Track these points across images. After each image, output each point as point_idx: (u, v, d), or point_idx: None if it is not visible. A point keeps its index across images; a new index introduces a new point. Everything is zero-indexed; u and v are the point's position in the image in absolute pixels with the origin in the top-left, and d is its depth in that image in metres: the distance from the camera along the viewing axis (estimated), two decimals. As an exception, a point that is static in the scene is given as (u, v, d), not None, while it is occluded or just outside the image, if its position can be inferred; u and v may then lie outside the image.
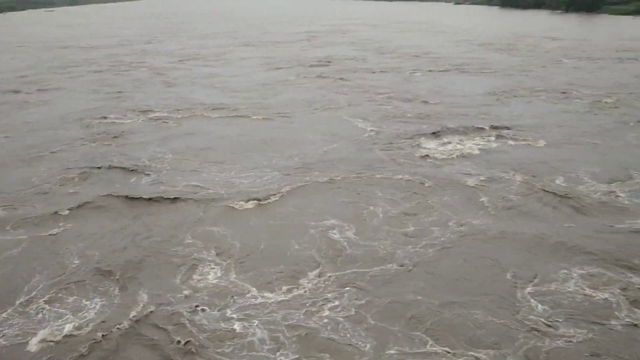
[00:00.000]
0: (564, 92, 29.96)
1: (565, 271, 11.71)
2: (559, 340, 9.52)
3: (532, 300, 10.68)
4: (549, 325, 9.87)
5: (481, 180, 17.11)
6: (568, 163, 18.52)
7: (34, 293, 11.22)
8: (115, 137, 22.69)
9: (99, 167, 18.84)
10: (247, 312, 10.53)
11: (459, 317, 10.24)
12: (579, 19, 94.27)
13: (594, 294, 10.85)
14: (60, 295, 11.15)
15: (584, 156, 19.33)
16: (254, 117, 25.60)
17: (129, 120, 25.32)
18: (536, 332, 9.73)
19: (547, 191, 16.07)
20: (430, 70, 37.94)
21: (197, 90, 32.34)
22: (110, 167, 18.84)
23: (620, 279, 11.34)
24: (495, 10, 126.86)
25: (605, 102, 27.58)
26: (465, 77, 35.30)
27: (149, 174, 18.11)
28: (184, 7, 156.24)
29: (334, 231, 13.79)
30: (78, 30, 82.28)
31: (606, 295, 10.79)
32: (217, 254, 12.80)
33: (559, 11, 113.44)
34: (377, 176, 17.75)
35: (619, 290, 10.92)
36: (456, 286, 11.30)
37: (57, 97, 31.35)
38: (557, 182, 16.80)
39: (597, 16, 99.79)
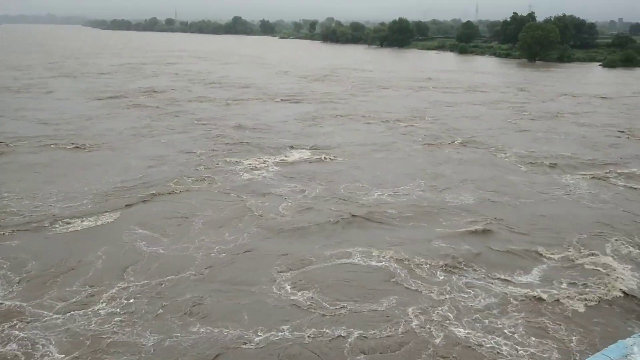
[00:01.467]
0: (365, 117, 34.22)
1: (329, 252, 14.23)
2: (317, 312, 11.64)
3: (288, 285, 12.74)
4: (310, 302, 12.02)
5: (287, 190, 19.41)
6: (360, 174, 21.65)
7: None
8: None
9: None
10: (38, 330, 10.92)
11: (233, 305, 11.87)
12: (391, 52, 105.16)
13: (369, 267, 13.40)
14: None
15: (375, 168, 22.70)
16: (71, 147, 25.39)
17: None
18: (298, 308, 11.78)
19: (334, 197, 18.80)
20: (251, 99, 40.47)
21: (5, 122, 30.83)
22: None
23: (385, 261, 14.07)
24: (317, 44, 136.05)
25: (398, 124, 32.16)
26: (283, 105, 38.32)
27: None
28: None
29: (145, 243, 14.82)
30: None
31: (379, 265, 13.39)
32: (9, 274, 12.93)
33: (374, 46, 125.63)
34: (196, 190, 19.25)
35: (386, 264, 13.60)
36: (236, 281, 12.92)
37: None
38: (344, 190, 19.63)
39: (407, 50, 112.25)
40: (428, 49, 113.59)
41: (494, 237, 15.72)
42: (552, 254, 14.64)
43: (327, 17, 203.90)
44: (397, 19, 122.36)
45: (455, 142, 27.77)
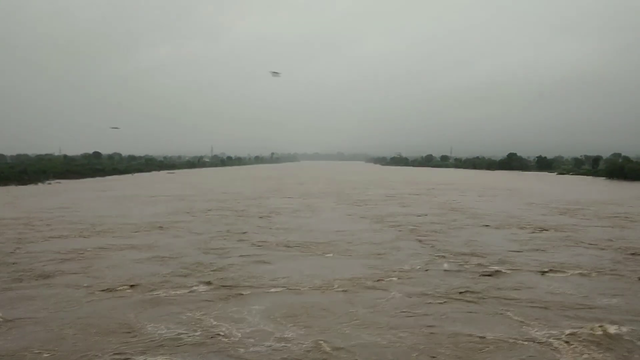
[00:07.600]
0: (593, 244, 37.14)
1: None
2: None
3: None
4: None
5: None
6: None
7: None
8: None
9: None
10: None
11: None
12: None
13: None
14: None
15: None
16: (320, 254, 35.14)
17: None
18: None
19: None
20: (485, 226, 46.58)
21: (289, 233, 42.51)
22: None
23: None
24: (600, 181, 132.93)
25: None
26: (514, 231, 43.51)
27: None
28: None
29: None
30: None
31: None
32: None
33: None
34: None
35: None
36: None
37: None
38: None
39: None
40: None
41: None
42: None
43: (613, 153, 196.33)
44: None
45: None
